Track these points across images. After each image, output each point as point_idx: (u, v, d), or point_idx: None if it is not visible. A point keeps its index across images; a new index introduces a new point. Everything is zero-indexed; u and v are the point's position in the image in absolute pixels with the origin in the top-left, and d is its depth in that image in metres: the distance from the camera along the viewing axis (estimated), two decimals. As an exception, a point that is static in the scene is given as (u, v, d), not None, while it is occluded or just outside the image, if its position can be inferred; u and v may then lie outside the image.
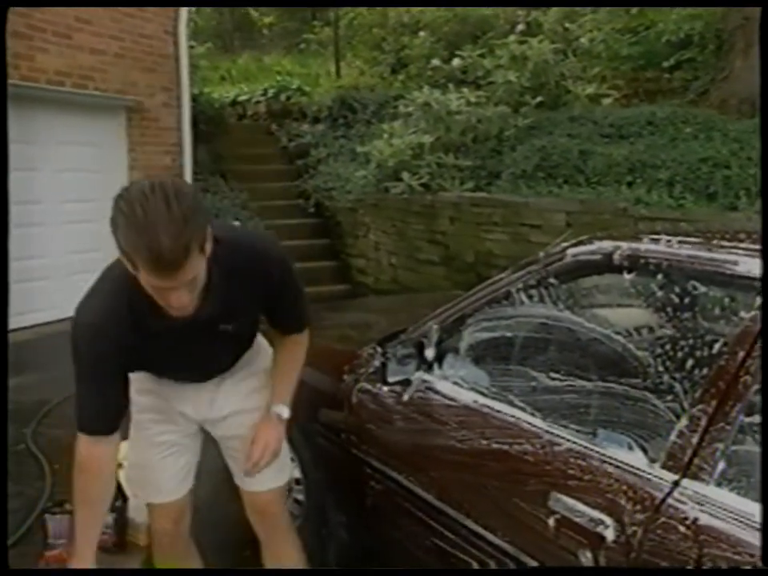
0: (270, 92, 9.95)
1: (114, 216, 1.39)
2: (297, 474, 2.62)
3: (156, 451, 1.93)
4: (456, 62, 7.30)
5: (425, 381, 2.01)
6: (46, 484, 3.29)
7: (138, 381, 1.85)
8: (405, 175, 6.20)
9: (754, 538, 1.26)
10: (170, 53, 7.03)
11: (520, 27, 7.47)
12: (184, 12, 7.14)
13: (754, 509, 1.29)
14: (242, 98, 10.56)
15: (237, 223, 6.80)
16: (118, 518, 2.03)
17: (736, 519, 1.30)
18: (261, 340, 2.01)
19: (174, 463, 1.95)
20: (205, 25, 13.54)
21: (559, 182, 5.43)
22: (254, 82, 11.34)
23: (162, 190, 1.37)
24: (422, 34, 9.05)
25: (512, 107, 6.52)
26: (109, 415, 1.64)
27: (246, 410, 1.93)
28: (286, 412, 1.89)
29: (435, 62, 7.71)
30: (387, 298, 5.46)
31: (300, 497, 2.64)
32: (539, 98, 6.47)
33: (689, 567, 1.31)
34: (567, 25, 7.34)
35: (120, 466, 2.13)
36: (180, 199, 1.37)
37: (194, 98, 7.67)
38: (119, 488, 2.06)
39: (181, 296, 1.45)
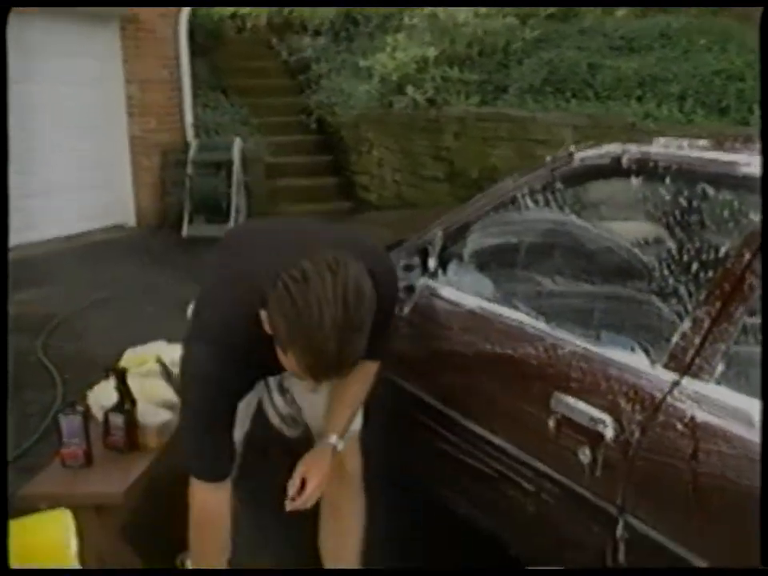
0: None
1: (277, 293, 1.25)
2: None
3: None
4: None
5: (429, 287, 2.02)
6: (58, 392, 3.38)
7: None
8: (409, 89, 6.05)
9: (749, 434, 1.29)
10: (166, -41, 6.75)
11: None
12: None
13: (751, 405, 1.32)
14: (243, 10, 10.20)
15: (238, 139, 6.71)
16: (128, 421, 2.07)
17: (733, 416, 1.33)
18: None
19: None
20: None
21: (567, 96, 5.29)
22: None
23: (343, 284, 1.22)
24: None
25: (520, 19, 6.28)
26: (226, 458, 1.55)
27: None
28: (340, 445, 1.67)
29: (442, -31, 7.37)
30: (391, 212, 5.42)
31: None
32: (549, 10, 6.24)
33: (685, 460, 1.34)
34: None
35: (126, 370, 2.17)
36: (360, 298, 1.24)
37: (192, 10, 7.42)
38: (128, 391, 2.10)
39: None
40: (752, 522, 1.23)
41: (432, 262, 2.00)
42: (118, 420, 2.06)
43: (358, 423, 1.81)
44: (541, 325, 1.71)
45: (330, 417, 1.67)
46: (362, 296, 1.24)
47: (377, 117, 6.68)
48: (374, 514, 1.94)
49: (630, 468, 1.44)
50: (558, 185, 1.81)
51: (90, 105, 6.41)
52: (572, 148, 1.84)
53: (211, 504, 1.55)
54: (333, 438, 1.64)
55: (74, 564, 1.62)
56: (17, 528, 1.73)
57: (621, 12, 6.21)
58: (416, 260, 2.02)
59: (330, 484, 1.75)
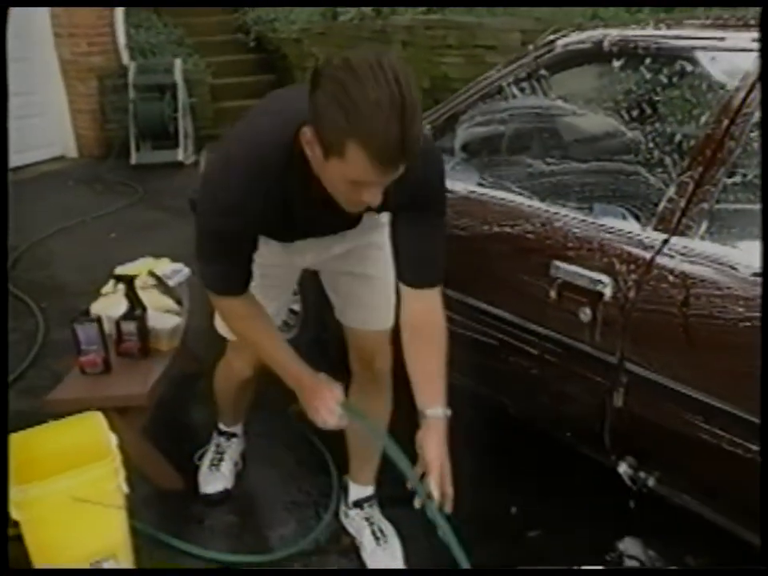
0: None
1: (323, 90, 1.14)
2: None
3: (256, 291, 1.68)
4: None
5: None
6: (38, 319, 3.38)
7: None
8: (354, -5, 5.95)
9: (732, 278, 1.47)
10: None
11: None
12: None
13: (733, 254, 1.50)
14: None
15: (178, 61, 6.50)
16: (140, 326, 2.15)
17: (718, 264, 1.51)
18: None
19: (272, 302, 1.72)
20: None
21: (513, -1, 5.31)
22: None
23: (392, 69, 1.11)
24: None
25: None
26: (239, 283, 1.50)
27: (366, 245, 1.72)
28: (448, 411, 1.47)
29: None
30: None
31: (296, 307, 2.80)
32: None
33: (679, 314, 1.51)
34: None
35: (135, 277, 2.23)
36: (410, 82, 1.13)
37: None
38: (137, 298, 2.17)
39: (376, 193, 1.24)
40: (738, 349, 1.43)
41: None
42: (130, 327, 2.13)
43: (390, 321, 1.79)
44: (535, 203, 1.85)
45: (422, 389, 1.48)
46: (410, 78, 1.14)
47: (321, 30, 6.56)
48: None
49: (628, 320, 1.62)
50: (542, 72, 1.91)
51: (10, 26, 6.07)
52: (552, 36, 1.93)
53: (230, 306, 1.55)
54: (436, 410, 1.45)
55: (117, 457, 1.73)
56: (53, 431, 1.83)
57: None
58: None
59: (361, 379, 1.86)
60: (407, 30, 5.67)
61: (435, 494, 1.35)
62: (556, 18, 4.92)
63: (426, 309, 1.52)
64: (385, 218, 1.68)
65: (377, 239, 1.72)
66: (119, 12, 6.71)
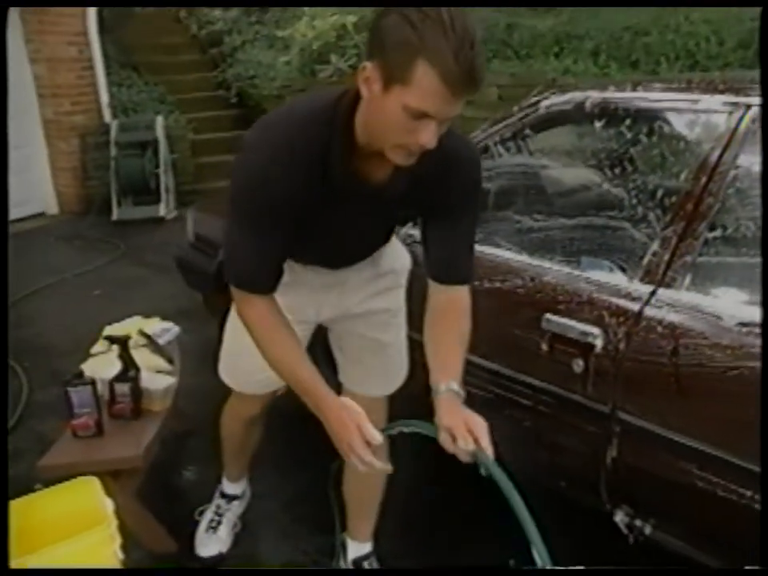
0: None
1: (389, 17, 1.12)
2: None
3: None
4: None
5: (411, 235, 2.17)
6: (21, 380, 3.35)
7: None
8: (333, 57, 6.11)
9: (716, 327, 1.52)
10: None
11: None
12: None
13: (718, 304, 1.55)
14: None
15: (159, 117, 6.60)
16: (133, 387, 2.14)
17: (704, 315, 1.56)
18: (395, 240, 1.77)
19: None
20: None
21: (488, 56, 5.50)
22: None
23: (457, 13, 1.11)
24: None
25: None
26: (268, 277, 1.41)
27: (374, 311, 1.74)
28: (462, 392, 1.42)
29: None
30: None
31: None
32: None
33: (672, 366, 1.56)
34: None
35: (129, 338, 2.23)
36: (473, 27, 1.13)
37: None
38: (131, 359, 2.17)
39: (433, 132, 1.17)
40: (727, 396, 1.48)
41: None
42: (124, 388, 2.13)
43: (394, 388, 1.83)
44: (524, 258, 1.90)
45: (439, 365, 1.45)
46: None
47: (301, 86, 6.71)
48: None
49: (619, 371, 1.66)
50: (527, 131, 1.99)
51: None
52: (536, 97, 2.02)
53: (258, 312, 1.42)
54: (453, 385, 1.39)
55: (113, 522, 1.71)
56: (48, 497, 1.81)
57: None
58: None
59: None
60: (385, 87, 5.83)
61: (470, 446, 1.26)
62: (531, 73, 5.11)
63: (453, 298, 1.52)
64: (403, 279, 1.78)
65: (393, 304, 1.76)
66: (101, 72, 6.82)
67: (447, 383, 1.39)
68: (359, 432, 1.31)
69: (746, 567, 1.42)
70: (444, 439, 1.30)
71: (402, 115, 1.15)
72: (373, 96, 1.18)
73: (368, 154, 1.29)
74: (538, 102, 1.98)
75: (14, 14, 6.25)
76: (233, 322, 1.80)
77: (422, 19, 1.09)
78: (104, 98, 6.83)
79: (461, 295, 1.53)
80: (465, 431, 1.27)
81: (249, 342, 1.52)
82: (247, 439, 2.10)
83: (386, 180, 1.35)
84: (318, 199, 1.34)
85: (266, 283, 1.41)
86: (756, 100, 1.62)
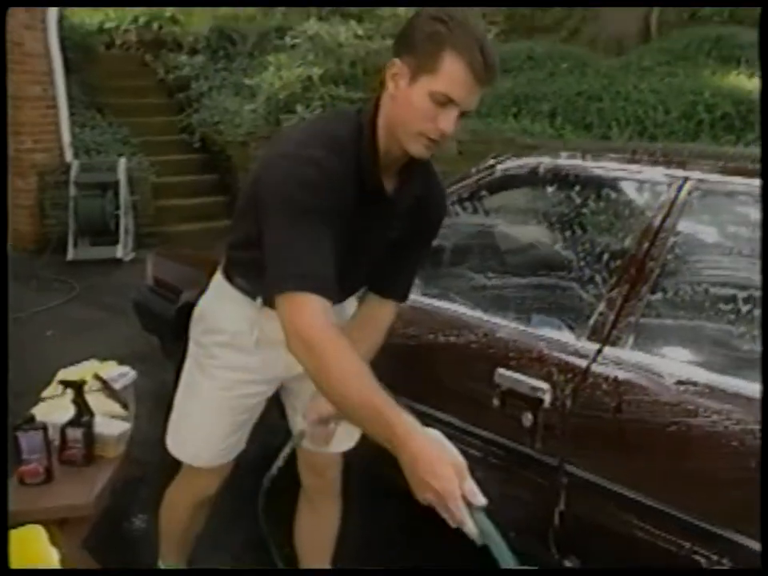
0: (141, 20, 9.45)
1: (419, 18, 1.29)
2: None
3: (224, 411, 1.68)
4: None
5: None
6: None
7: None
8: (299, 108, 6.25)
9: (658, 384, 1.61)
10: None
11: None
12: None
13: (659, 363, 1.64)
14: (109, 24, 9.96)
15: (122, 159, 6.61)
16: (87, 433, 2.12)
17: (646, 372, 1.64)
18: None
19: (238, 425, 1.71)
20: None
21: (449, 113, 5.70)
22: (117, 7, 10.68)
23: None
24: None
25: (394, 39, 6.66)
26: (330, 267, 1.27)
27: None
28: None
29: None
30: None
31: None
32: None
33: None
34: (447, -40, 7.50)
35: (84, 383, 2.22)
36: None
37: (60, 22, 7.19)
38: (85, 404, 2.16)
39: (453, 119, 1.29)
40: (667, 451, 1.55)
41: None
42: (76, 434, 2.10)
43: (352, 443, 1.79)
44: (478, 313, 1.97)
45: None
46: None
47: (266, 134, 6.81)
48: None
49: (566, 425, 1.72)
50: (483, 192, 2.08)
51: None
52: (492, 161, 2.12)
53: (316, 320, 1.22)
54: None
55: None
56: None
57: (489, 36, 6.74)
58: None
59: (312, 488, 1.87)
60: (349, 138, 5.97)
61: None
62: (490, 131, 5.31)
63: (379, 313, 1.63)
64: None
65: None
66: (64, 111, 6.83)
67: None
68: (455, 482, 1.07)
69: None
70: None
71: (427, 102, 1.27)
72: (399, 89, 1.31)
73: (386, 163, 1.40)
74: (494, 164, 2.09)
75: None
76: (187, 378, 1.73)
77: (450, 17, 1.26)
78: (66, 137, 6.82)
79: (388, 311, 1.64)
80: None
81: (207, 400, 1.53)
82: (193, 524, 1.92)
83: (398, 191, 1.46)
84: (351, 203, 1.36)
85: (329, 279, 1.26)
86: (694, 174, 1.74)
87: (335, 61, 6.40)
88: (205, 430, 1.69)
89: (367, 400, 1.15)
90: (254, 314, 1.61)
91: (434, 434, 1.13)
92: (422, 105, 1.28)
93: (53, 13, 6.72)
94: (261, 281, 1.35)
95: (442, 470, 1.07)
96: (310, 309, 1.22)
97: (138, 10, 9.45)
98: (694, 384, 1.56)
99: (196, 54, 8.66)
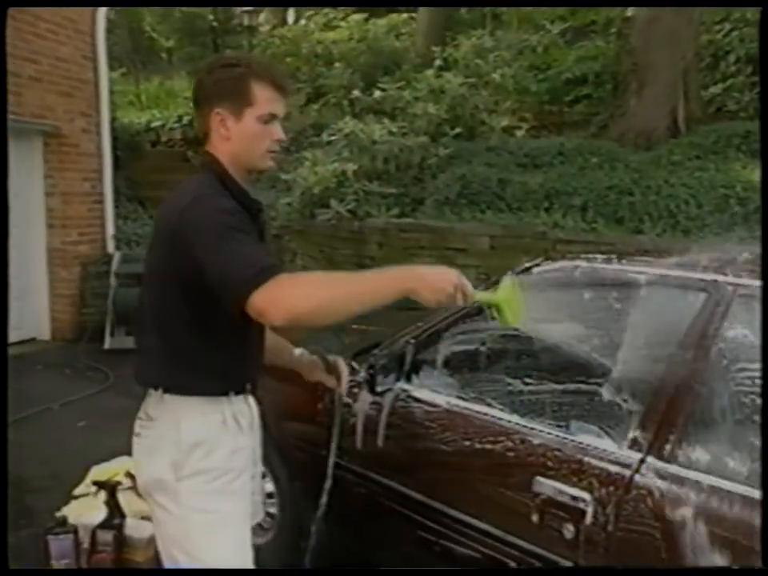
0: (186, 119, 9.94)
1: (209, 75, 1.62)
2: (270, 487, 2.74)
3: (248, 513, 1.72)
4: (377, 93, 7.61)
5: (405, 390, 2.21)
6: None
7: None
8: (332, 202, 6.41)
9: (702, 498, 1.55)
10: (88, 77, 6.96)
11: (437, 62, 7.88)
12: (102, 35, 7.11)
13: (703, 478, 1.58)
14: (155, 123, 10.50)
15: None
16: (117, 536, 2.10)
17: (689, 486, 1.58)
18: None
19: (241, 499, 1.71)
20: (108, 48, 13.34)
21: (482, 207, 5.80)
22: (163, 107, 11.27)
23: None
24: (337, 65, 9.35)
25: (431, 137, 6.88)
26: (275, 259, 1.61)
27: None
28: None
29: (356, 92, 8.00)
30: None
31: (273, 509, 2.76)
32: (457, 129, 6.87)
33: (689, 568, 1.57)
34: (477, 61, 7.83)
35: (118, 484, 2.21)
36: None
37: (111, 123, 7.61)
38: (118, 506, 2.14)
39: (280, 127, 1.63)
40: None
41: (407, 367, 2.21)
42: (107, 536, 2.08)
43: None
44: (515, 418, 1.93)
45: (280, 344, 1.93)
46: None
47: (300, 228, 6.98)
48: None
49: (609, 539, 1.65)
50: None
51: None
52: (528, 263, 2.13)
53: (287, 280, 1.43)
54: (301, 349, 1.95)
55: None
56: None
57: (520, 132, 6.94)
58: (392, 365, 2.22)
59: None
60: (382, 232, 6.08)
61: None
62: (522, 225, 5.37)
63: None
64: None
65: None
66: (109, 205, 7.11)
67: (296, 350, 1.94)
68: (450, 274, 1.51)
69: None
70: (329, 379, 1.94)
71: (259, 126, 1.60)
72: (231, 130, 1.59)
73: None
74: (531, 267, 2.09)
75: (37, 154, 6.60)
76: (198, 521, 1.60)
77: (239, 59, 1.63)
78: (110, 229, 7.07)
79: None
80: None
81: (237, 518, 1.61)
82: None
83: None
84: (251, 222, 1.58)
85: (280, 264, 1.51)
86: (734, 279, 1.73)
87: (369, 157, 6.59)
88: (244, 548, 1.66)
89: (367, 288, 1.46)
90: (231, 405, 1.68)
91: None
92: (256, 130, 1.60)
93: (107, 118, 7.11)
94: (220, 364, 1.62)
95: (446, 271, 1.52)
96: (282, 287, 1.40)
97: (181, 110, 9.96)
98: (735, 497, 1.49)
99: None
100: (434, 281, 1.47)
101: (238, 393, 1.68)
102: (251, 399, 1.76)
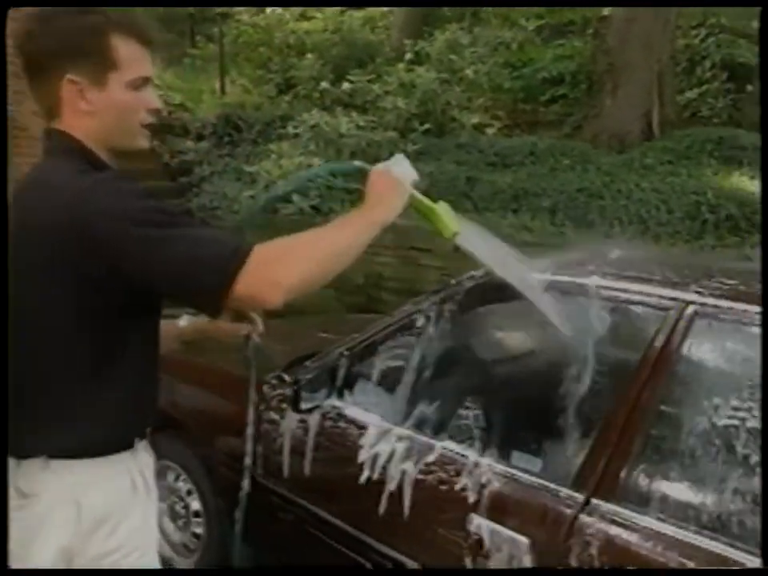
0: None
1: (67, 20, 1.20)
2: (196, 506, 2.52)
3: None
4: (345, 85, 7.39)
5: (336, 407, 2.00)
6: None
7: None
8: (295, 197, 6.18)
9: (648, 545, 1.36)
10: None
11: (408, 56, 7.67)
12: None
13: (652, 523, 1.39)
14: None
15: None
16: None
17: (635, 531, 1.39)
18: None
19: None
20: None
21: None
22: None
23: None
24: (309, 56, 9.11)
25: (400, 133, 6.67)
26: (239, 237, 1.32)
27: None
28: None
29: (324, 84, 7.76)
30: (280, 321, 5.39)
31: (199, 530, 2.54)
32: (426, 125, 6.67)
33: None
34: (452, 56, 7.63)
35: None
36: None
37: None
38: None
39: (154, 93, 1.29)
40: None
41: (339, 382, 2.00)
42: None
43: None
44: (451, 446, 1.73)
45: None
46: None
47: (261, 223, 6.72)
48: None
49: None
50: (458, 307, 1.88)
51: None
52: (473, 272, 1.93)
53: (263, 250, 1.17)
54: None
55: None
56: None
57: (492, 130, 6.76)
58: (323, 380, 2.01)
59: None
60: (344, 229, 5.86)
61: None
62: (488, 227, 5.16)
63: None
64: None
65: None
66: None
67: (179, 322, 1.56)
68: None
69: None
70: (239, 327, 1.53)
71: (129, 93, 1.24)
72: (91, 103, 1.22)
73: None
74: (473, 275, 1.90)
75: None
76: None
77: (83, 10, 1.22)
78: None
79: None
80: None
81: None
82: None
83: None
84: None
85: (239, 238, 1.26)
86: (695, 297, 1.54)
87: (335, 151, 6.37)
88: None
89: (348, 235, 1.28)
90: (136, 458, 1.33)
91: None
92: (126, 99, 1.24)
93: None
94: (125, 405, 1.25)
95: (391, 184, 1.37)
96: (269, 263, 1.16)
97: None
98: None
99: (201, 140, 8.73)
100: (392, 200, 1.34)
101: (142, 438, 1.34)
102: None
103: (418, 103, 6.79)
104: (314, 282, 1.22)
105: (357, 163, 1.54)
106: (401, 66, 7.32)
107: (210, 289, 1.12)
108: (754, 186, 5.18)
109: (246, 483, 1.74)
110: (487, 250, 1.56)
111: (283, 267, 1.16)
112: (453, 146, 6.38)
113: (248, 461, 1.77)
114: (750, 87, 7.24)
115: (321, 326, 3.34)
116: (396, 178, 1.37)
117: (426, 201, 1.45)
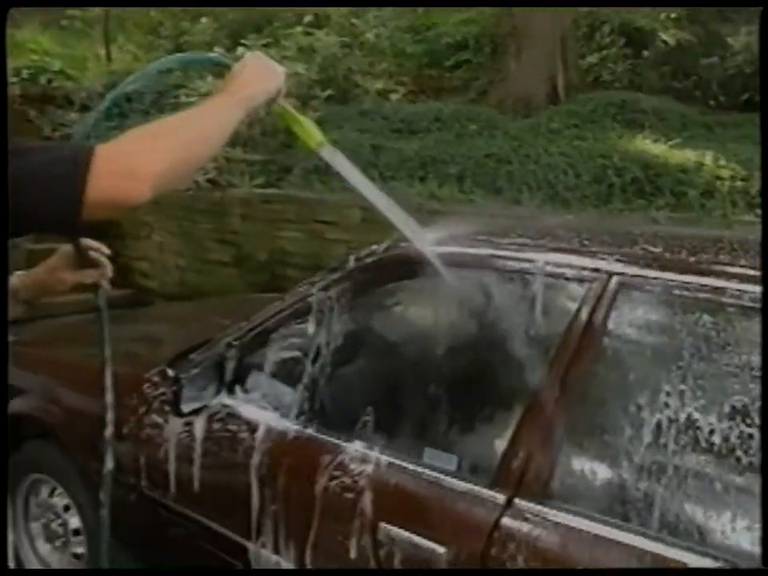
0: (25, 73, 8.82)
1: None
2: (76, 523, 2.22)
3: None
4: (240, 50, 6.95)
5: (226, 406, 1.76)
6: None
7: None
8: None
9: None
10: None
11: (308, 18, 7.30)
12: None
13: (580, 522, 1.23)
14: (-9, 79, 9.31)
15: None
16: None
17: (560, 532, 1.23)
18: None
19: None
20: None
21: (353, 177, 5.36)
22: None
23: None
24: (203, 20, 8.59)
25: (300, 100, 6.34)
26: None
27: None
28: None
29: (218, 50, 7.29)
30: (176, 304, 5.06)
31: (80, 549, 2.24)
32: (328, 91, 6.37)
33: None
34: (353, 20, 7.33)
35: None
36: None
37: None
38: None
39: None
40: None
41: (229, 377, 1.75)
42: None
43: None
44: (356, 445, 1.52)
45: None
46: None
47: (156, 199, 6.22)
48: None
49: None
50: (357, 285, 1.67)
51: None
52: (374, 247, 1.72)
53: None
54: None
55: None
56: None
57: (396, 96, 6.54)
58: (210, 375, 1.75)
59: None
60: (245, 203, 5.52)
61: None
62: (395, 196, 4.96)
63: None
64: None
65: None
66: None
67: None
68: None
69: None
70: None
71: None
72: None
73: None
74: (373, 252, 1.68)
75: None
76: None
77: None
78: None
79: None
80: None
81: None
82: None
83: None
84: None
85: None
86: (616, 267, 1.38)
87: (232, 120, 5.98)
88: None
89: (215, 116, 1.20)
90: None
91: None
92: None
93: None
94: None
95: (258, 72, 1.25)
96: (128, 152, 1.04)
97: (21, 62, 8.86)
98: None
99: (87, 111, 8.10)
100: (263, 81, 1.26)
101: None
102: None
103: (318, 69, 6.47)
104: (183, 167, 1.14)
105: (213, 56, 1.43)
106: (299, 29, 6.95)
107: (63, 208, 0.99)
108: (657, 150, 5.19)
109: (103, 495, 1.50)
110: (351, 169, 1.53)
111: (138, 156, 1.04)
112: (356, 113, 6.10)
113: (109, 464, 1.52)
114: (645, 53, 7.32)
115: (223, 309, 3.07)
116: (270, 62, 1.28)
117: (292, 109, 1.39)
